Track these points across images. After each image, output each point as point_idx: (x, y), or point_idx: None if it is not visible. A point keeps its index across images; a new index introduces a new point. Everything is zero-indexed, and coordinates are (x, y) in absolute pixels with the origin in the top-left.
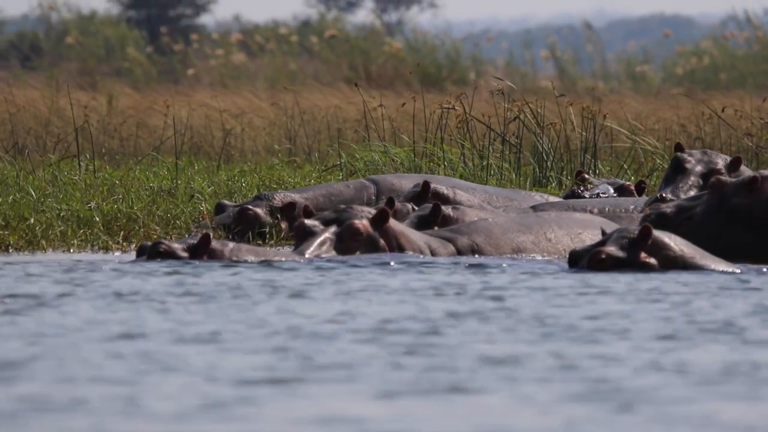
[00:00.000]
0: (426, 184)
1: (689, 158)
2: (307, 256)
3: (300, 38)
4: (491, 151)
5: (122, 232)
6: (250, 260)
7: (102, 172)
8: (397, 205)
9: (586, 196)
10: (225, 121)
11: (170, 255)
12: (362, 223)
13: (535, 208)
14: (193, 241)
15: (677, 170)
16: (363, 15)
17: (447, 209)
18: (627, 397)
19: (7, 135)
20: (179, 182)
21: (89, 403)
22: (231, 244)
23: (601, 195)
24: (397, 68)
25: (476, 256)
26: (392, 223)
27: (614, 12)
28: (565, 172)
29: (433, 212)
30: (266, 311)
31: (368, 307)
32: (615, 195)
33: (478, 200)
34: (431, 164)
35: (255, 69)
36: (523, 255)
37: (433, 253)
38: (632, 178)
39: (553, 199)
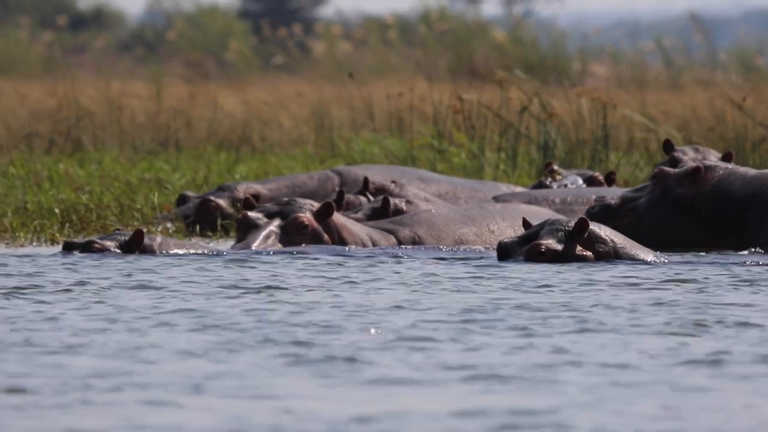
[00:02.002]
0: (365, 179)
1: (682, 156)
2: (254, 249)
3: (404, 30)
4: (489, 142)
5: (81, 224)
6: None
7: (101, 165)
8: (350, 197)
9: (554, 187)
10: (265, 111)
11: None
12: (307, 217)
13: (497, 198)
14: (125, 237)
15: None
16: (490, 7)
17: (401, 202)
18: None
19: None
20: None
21: None
22: (159, 238)
23: (569, 186)
24: (501, 60)
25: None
26: (335, 216)
27: (752, 2)
28: (575, 164)
29: (383, 205)
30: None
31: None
32: (584, 186)
33: (444, 191)
34: (429, 156)
35: (358, 61)
36: (466, 246)
37: (374, 245)
38: (645, 169)
39: (519, 189)
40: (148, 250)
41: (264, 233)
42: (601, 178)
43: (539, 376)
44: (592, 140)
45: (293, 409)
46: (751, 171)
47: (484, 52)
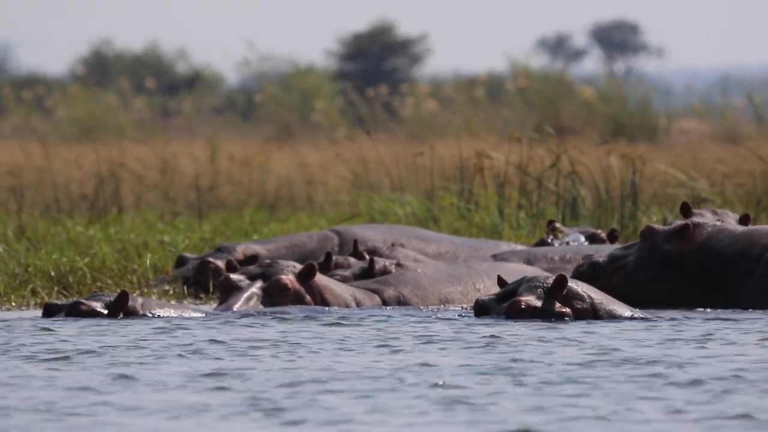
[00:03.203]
0: (355, 242)
1: (699, 219)
2: (235, 310)
3: (493, 89)
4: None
5: (78, 287)
6: (158, 314)
7: (121, 227)
8: (338, 259)
9: (555, 244)
10: (314, 172)
11: (91, 314)
12: (289, 279)
13: (495, 256)
14: (110, 298)
15: None
16: (591, 64)
17: (391, 264)
18: None
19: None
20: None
21: None
22: (140, 299)
23: (571, 243)
24: (588, 117)
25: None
26: (318, 277)
27: None
28: (602, 222)
29: (369, 265)
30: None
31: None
32: (586, 243)
33: (444, 250)
34: (446, 213)
35: (445, 120)
36: (451, 305)
37: (358, 305)
38: None
39: (519, 248)
40: (131, 312)
41: (246, 295)
42: (603, 235)
43: None
44: (620, 197)
45: None
46: (740, 228)
47: (572, 110)
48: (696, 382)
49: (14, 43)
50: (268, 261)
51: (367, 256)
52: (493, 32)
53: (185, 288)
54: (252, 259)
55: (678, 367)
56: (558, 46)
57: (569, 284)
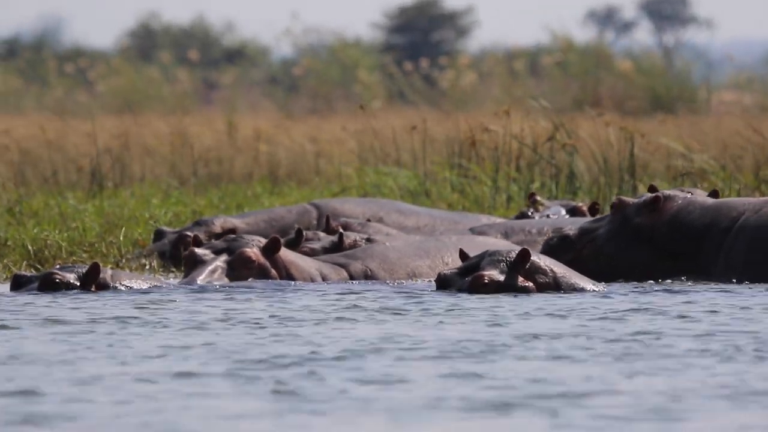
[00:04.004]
0: (327, 217)
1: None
2: (199, 282)
3: (533, 62)
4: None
5: (53, 261)
6: (128, 286)
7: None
8: (308, 233)
9: (536, 217)
10: (326, 146)
11: (66, 285)
12: (254, 252)
13: (473, 230)
14: (83, 270)
15: None
16: (640, 36)
17: (361, 239)
18: None
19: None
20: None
21: None
22: (109, 271)
23: (551, 216)
24: (627, 90)
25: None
26: (283, 252)
27: None
28: (602, 194)
29: (339, 239)
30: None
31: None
32: (566, 216)
33: (423, 223)
34: (438, 188)
35: (484, 92)
36: (419, 279)
37: (324, 279)
38: None
39: (499, 221)
40: (103, 284)
41: (210, 268)
42: (584, 208)
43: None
44: (619, 169)
45: None
46: (710, 200)
47: (611, 83)
48: (663, 352)
49: (65, 19)
50: (233, 236)
51: (342, 230)
52: (542, 4)
53: (161, 261)
54: (230, 232)
55: (635, 336)
56: (607, 18)
57: (532, 258)
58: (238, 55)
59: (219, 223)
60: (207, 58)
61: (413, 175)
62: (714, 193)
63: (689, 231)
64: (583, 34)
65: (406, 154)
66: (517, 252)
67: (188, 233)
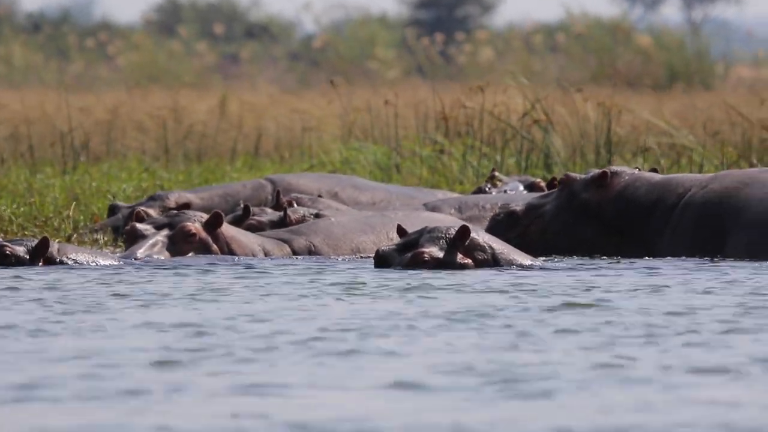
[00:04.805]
0: (277, 192)
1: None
2: (138, 256)
3: (549, 37)
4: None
5: (4, 236)
6: (73, 260)
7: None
8: (255, 209)
9: (493, 193)
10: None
11: (16, 258)
12: (195, 226)
13: (427, 205)
14: (33, 243)
15: None
16: (670, 11)
17: (310, 215)
18: None
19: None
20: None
21: None
22: (56, 245)
23: (509, 192)
24: (645, 65)
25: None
26: (225, 227)
27: None
28: (579, 170)
29: (284, 215)
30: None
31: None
32: (524, 192)
33: (379, 198)
34: (409, 163)
35: (500, 66)
36: (363, 255)
37: (267, 255)
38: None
39: (454, 196)
40: (50, 258)
41: (150, 242)
42: (542, 184)
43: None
44: (595, 145)
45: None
46: (657, 177)
47: (628, 58)
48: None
49: None
50: (174, 211)
51: (291, 206)
52: None
53: (114, 236)
54: (184, 207)
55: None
56: None
57: (471, 235)
58: (262, 31)
59: (174, 198)
60: (231, 33)
61: (385, 151)
62: (654, 171)
63: (636, 207)
64: (611, 10)
65: (405, 131)
66: (456, 229)
67: (142, 208)
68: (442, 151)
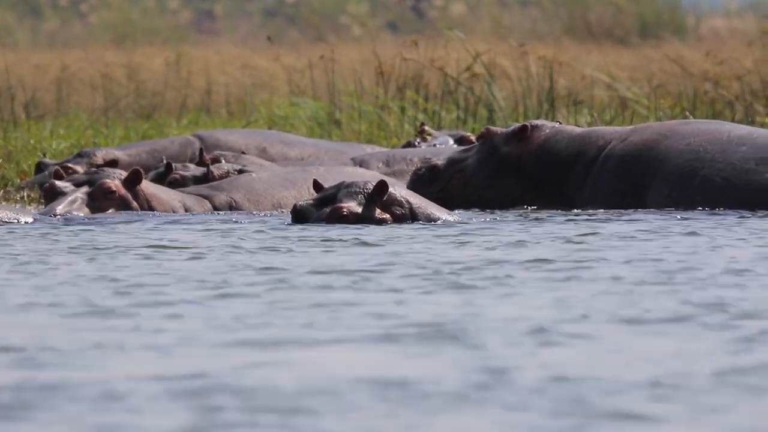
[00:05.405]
0: (200, 150)
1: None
2: (57, 212)
3: None
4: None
5: None
6: None
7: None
8: (178, 166)
9: (422, 147)
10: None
11: None
12: (114, 183)
13: (354, 159)
14: None
15: None
16: None
17: (234, 170)
18: None
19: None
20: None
21: None
22: None
23: (438, 146)
24: (617, 18)
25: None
26: (144, 184)
27: None
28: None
29: (207, 171)
30: None
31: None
32: (454, 146)
33: (307, 154)
34: (347, 118)
35: (473, 21)
36: (284, 210)
37: (187, 211)
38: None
39: (380, 150)
40: None
41: (70, 198)
42: (472, 137)
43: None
44: (538, 98)
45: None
46: (577, 129)
47: (600, 10)
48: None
49: None
50: (94, 168)
51: (223, 161)
52: None
53: (41, 193)
54: (111, 163)
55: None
56: None
57: (389, 189)
58: None
59: (101, 155)
60: None
61: (324, 106)
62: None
63: (556, 160)
64: None
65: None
66: (374, 183)
67: (69, 165)
68: (383, 107)
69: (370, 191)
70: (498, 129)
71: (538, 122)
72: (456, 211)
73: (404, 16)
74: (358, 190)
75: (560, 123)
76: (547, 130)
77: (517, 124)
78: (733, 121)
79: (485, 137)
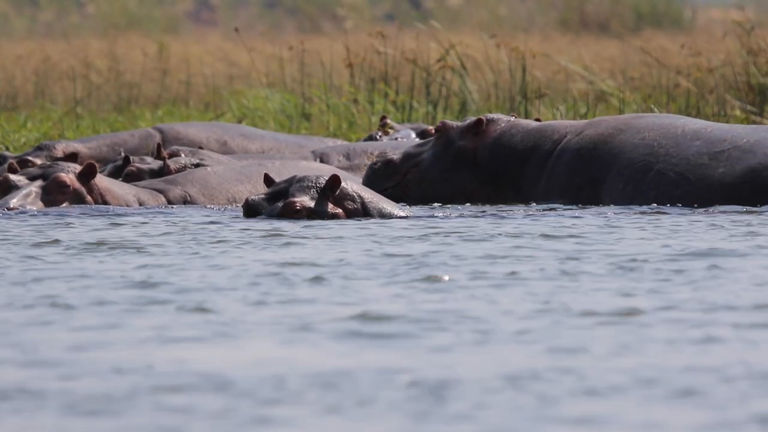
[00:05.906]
0: (158, 145)
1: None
2: (11, 206)
3: None
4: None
5: None
6: None
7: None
8: (135, 159)
9: (384, 140)
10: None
11: None
12: (68, 177)
13: (315, 152)
14: None
15: None
16: None
17: (191, 165)
18: None
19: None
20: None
21: None
22: None
23: (400, 140)
24: (613, 9)
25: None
26: (99, 178)
27: None
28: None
29: (164, 165)
30: None
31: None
32: (417, 140)
33: (268, 147)
34: (318, 111)
35: (469, 13)
36: (239, 205)
37: (141, 205)
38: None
39: (340, 143)
40: None
41: (24, 192)
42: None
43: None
44: (511, 91)
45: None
46: (533, 123)
47: (596, 2)
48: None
49: None
50: (48, 162)
51: (182, 155)
52: None
53: None
54: (72, 156)
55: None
56: None
57: (342, 185)
58: None
59: (61, 148)
60: None
61: (292, 99)
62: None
63: (511, 154)
64: None
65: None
66: (326, 178)
67: (29, 158)
68: (356, 101)
69: (322, 186)
70: (454, 123)
71: (494, 116)
72: (408, 207)
73: (401, 8)
74: (310, 184)
75: (516, 117)
76: (503, 124)
77: (473, 118)
78: (705, 115)
79: (441, 131)
